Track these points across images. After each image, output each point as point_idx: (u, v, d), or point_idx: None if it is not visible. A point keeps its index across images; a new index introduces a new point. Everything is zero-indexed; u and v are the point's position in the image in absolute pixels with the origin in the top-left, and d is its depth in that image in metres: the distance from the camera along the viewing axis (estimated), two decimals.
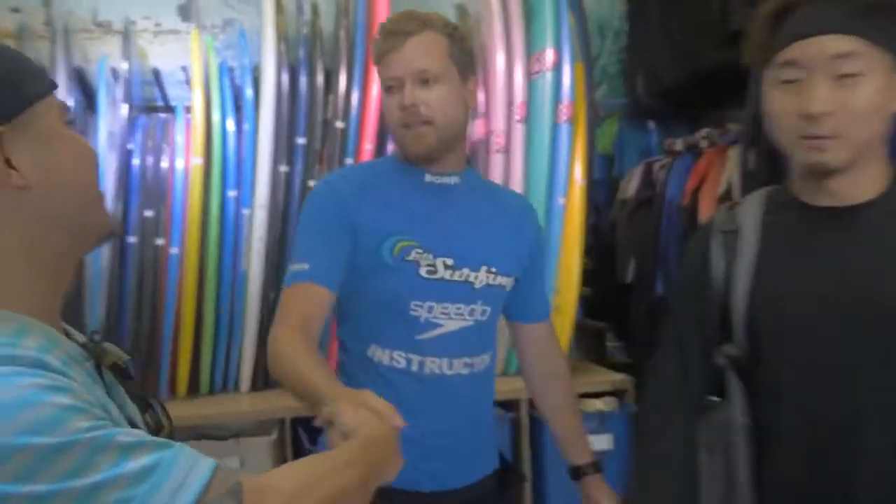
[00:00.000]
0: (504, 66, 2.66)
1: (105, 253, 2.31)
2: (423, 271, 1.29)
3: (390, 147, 2.51)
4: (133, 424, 0.76)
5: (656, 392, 1.24)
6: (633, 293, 3.17)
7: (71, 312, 0.90)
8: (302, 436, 2.41)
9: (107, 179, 2.31)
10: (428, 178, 1.34)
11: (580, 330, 3.20)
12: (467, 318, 1.33)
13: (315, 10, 2.63)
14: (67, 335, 0.78)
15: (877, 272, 1.01)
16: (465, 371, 1.34)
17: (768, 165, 2.29)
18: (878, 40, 0.98)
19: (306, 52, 2.52)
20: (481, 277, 1.33)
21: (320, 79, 2.50)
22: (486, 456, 1.44)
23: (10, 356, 0.64)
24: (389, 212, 1.31)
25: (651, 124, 3.46)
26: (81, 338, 0.80)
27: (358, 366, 1.35)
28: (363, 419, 0.86)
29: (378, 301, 1.31)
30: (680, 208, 2.89)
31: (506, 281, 1.38)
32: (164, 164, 2.44)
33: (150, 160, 2.43)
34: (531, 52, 2.71)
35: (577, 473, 1.50)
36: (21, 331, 0.68)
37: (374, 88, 2.46)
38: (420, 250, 1.29)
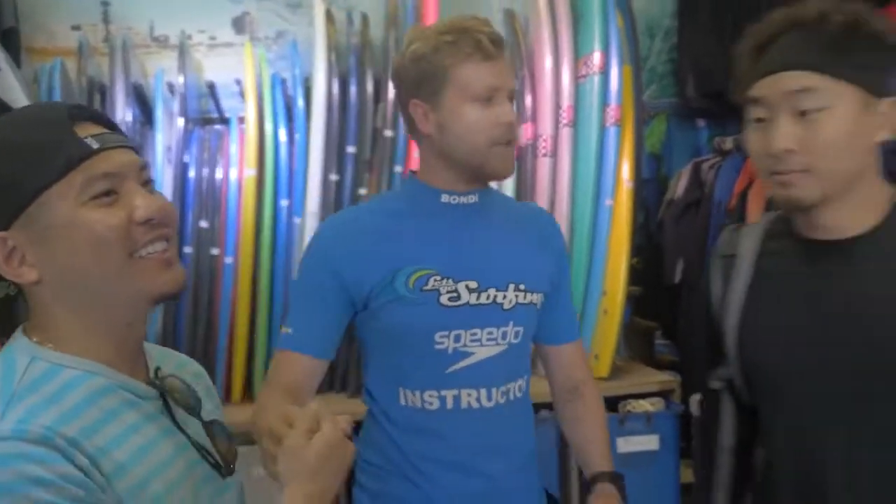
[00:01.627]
0: (551, 70, 2.66)
1: None
2: (444, 299, 1.22)
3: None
4: (205, 450, 0.83)
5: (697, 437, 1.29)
6: (681, 293, 3.16)
7: None
8: (355, 438, 2.48)
9: (164, 192, 2.39)
10: (445, 198, 1.25)
11: (629, 329, 3.20)
12: (500, 342, 1.25)
13: (365, 20, 2.67)
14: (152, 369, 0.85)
15: (865, 314, 0.99)
16: (502, 400, 1.26)
17: None
18: (840, 74, 0.95)
19: (356, 62, 2.57)
20: (510, 297, 1.25)
21: (370, 88, 2.55)
22: (534, 496, 1.37)
23: (21, 430, 0.69)
24: (398, 243, 1.24)
25: (701, 122, 3.42)
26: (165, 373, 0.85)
27: (388, 416, 1.28)
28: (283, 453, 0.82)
29: (399, 339, 1.24)
30: (727, 210, 2.86)
31: (536, 298, 1.30)
32: (219, 175, 2.52)
33: (205, 172, 2.51)
34: (579, 56, 2.71)
35: (594, 479, 1.34)
36: (57, 394, 0.74)
37: None
38: (438, 277, 1.22)
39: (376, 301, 1.24)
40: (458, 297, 1.23)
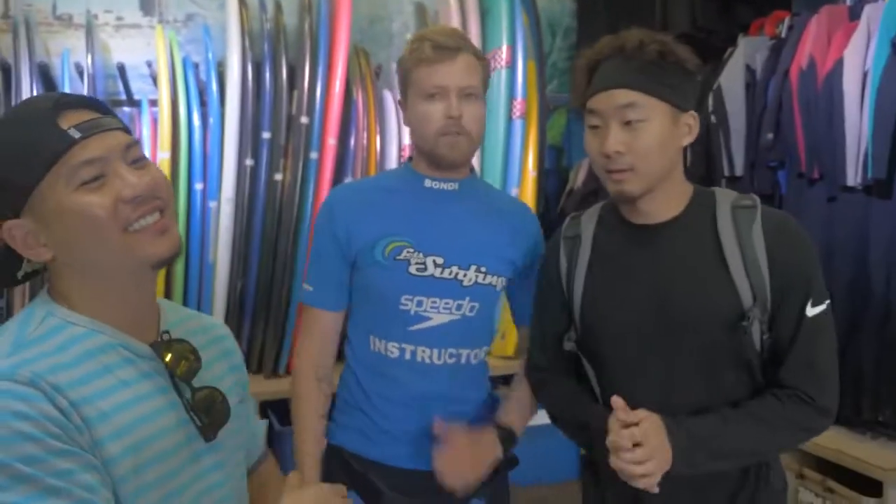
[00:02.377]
0: None
1: None
2: (412, 269, 1.41)
3: (352, 142, 2.60)
4: (194, 412, 0.90)
5: (534, 379, 1.47)
6: None
7: None
8: (272, 417, 2.51)
9: None
10: (427, 183, 1.45)
11: None
12: (455, 312, 1.43)
13: (278, 6, 2.68)
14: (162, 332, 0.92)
15: (670, 280, 1.24)
16: (450, 361, 1.45)
17: (703, 164, 2.48)
18: (655, 92, 1.19)
19: (270, 48, 2.58)
20: (470, 276, 1.43)
21: (284, 74, 2.57)
22: None
23: (11, 372, 0.77)
24: (384, 216, 1.43)
25: None
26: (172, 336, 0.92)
27: (360, 358, 1.48)
28: None
29: (373, 296, 1.44)
30: None
31: (496, 280, 1.46)
32: None
33: None
34: (487, 50, 2.82)
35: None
36: (59, 347, 0.83)
37: (338, 84, 2.54)
38: (411, 249, 1.41)
39: (360, 262, 1.44)
40: (425, 269, 1.41)
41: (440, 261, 1.41)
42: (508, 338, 2.92)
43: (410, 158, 1.50)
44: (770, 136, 2.24)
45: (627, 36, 1.22)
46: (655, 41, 1.21)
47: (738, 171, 2.37)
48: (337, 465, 1.49)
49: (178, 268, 2.48)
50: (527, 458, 2.98)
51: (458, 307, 1.43)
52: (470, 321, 1.45)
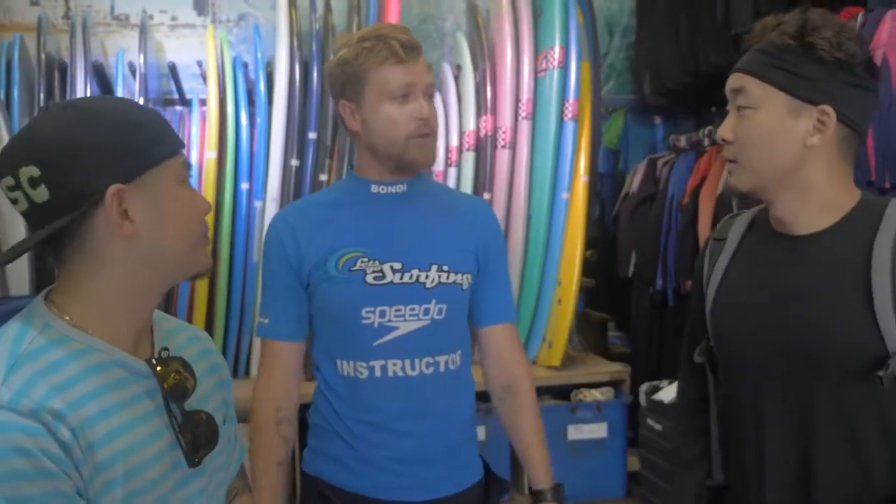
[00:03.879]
0: (512, 63, 2.71)
1: None
2: (370, 278, 1.33)
3: None
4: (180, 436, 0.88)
5: (679, 398, 1.36)
6: (634, 286, 3.24)
7: None
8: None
9: None
10: (374, 188, 1.37)
11: (582, 320, 3.28)
12: (423, 317, 1.35)
13: (328, 6, 2.68)
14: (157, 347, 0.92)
15: (798, 304, 1.08)
16: (429, 371, 1.35)
17: None
18: (770, 79, 1.06)
19: (318, 47, 2.58)
20: (433, 276, 1.35)
21: None
22: (469, 464, 1.43)
23: (14, 402, 0.77)
24: (333, 229, 1.36)
25: (657, 119, 3.50)
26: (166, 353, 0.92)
27: (330, 383, 1.39)
28: None
29: (332, 315, 1.36)
30: (681, 206, 2.95)
31: (460, 278, 1.38)
32: None
33: None
34: (539, 50, 2.76)
35: (536, 498, 1.44)
36: (54, 364, 0.81)
37: None
38: (366, 258, 1.33)
39: (313, 281, 1.36)
40: (383, 277, 1.34)
41: (398, 266, 1.34)
42: (555, 346, 2.85)
43: (352, 168, 1.43)
44: None
45: (775, 17, 1.10)
46: (798, 21, 1.06)
47: None
48: (314, 498, 1.40)
49: (223, 268, 2.50)
50: (572, 473, 2.90)
51: (426, 312, 1.35)
52: (440, 325, 1.36)
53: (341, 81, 1.34)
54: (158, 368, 0.88)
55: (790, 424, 1.09)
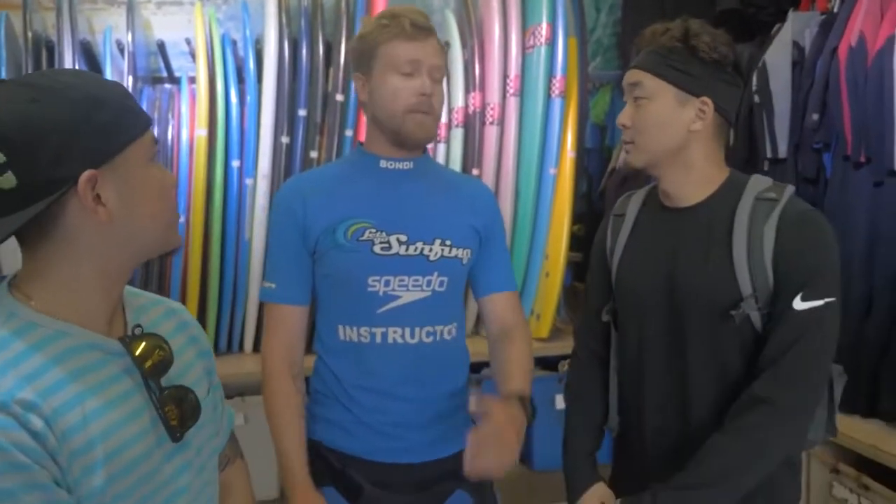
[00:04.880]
0: (500, 40, 2.73)
1: None
2: (377, 248, 1.39)
3: None
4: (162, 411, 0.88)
5: (579, 352, 1.53)
6: None
7: None
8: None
9: None
10: (383, 164, 1.44)
11: (570, 294, 3.33)
12: (425, 288, 1.41)
13: None
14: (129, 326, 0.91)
15: (679, 263, 1.31)
16: (428, 339, 1.42)
17: (746, 146, 2.40)
18: (661, 74, 1.28)
19: (307, 24, 2.58)
20: (436, 250, 1.42)
21: (321, 51, 2.57)
22: (461, 429, 1.39)
23: None
24: (342, 200, 1.42)
25: None
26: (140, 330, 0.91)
27: (331, 349, 1.45)
28: None
29: (338, 282, 1.41)
30: None
31: (461, 253, 1.45)
32: (170, 134, 2.53)
33: (155, 131, 2.51)
34: (526, 26, 2.77)
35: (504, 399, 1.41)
36: (22, 354, 0.79)
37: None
38: (373, 230, 1.39)
39: (321, 248, 1.42)
40: (390, 248, 1.40)
41: (404, 238, 1.40)
42: (543, 319, 2.91)
43: (361, 143, 1.50)
44: (816, 116, 2.14)
45: (662, 24, 1.31)
46: (681, 28, 1.28)
47: (782, 153, 2.28)
48: (315, 460, 1.45)
49: (215, 245, 2.52)
50: (559, 441, 2.96)
51: (428, 283, 1.41)
52: (440, 296, 1.43)
53: (357, 55, 1.43)
54: (134, 345, 0.87)
55: (671, 356, 1.32)
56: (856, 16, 2.07)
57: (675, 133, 1.29)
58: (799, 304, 1.20)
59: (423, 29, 1.38)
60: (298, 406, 1.44)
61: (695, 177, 1.31)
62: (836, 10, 2.21)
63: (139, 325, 0.90)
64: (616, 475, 1.49)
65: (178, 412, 0.89)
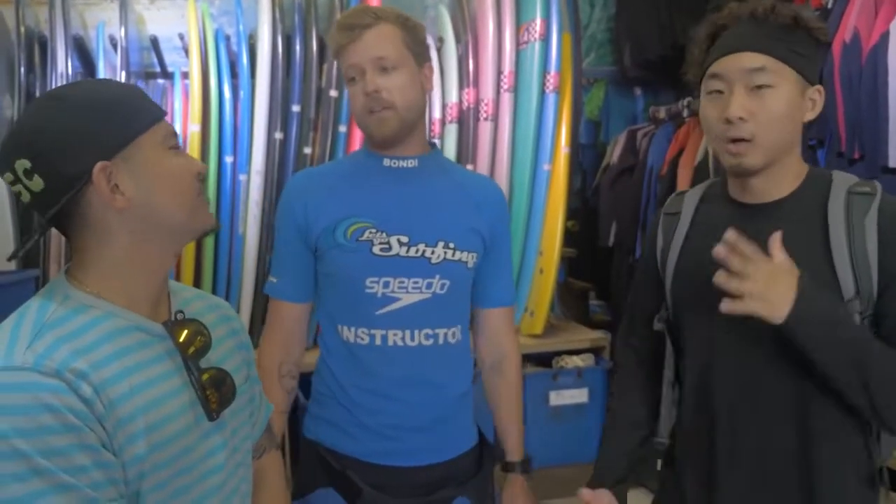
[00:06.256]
0: (494, 35, 2.72)
1: None
2: (376, 249, 1.37)
3: None
4: (202, 391, 0.95)
5: (621, 355, 1.43)
6: (614, 256, 3.30)
7: None
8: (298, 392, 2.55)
9: None
10: (386, 162, 1.41)
11: (564, 289, 3.34)
12: (425, 291, 1.39)
13: None
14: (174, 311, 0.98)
15: None
16: (427, 342, 1.40)
17: None
18: (786, 59, 1.12)
19: (301, 19, 2.58)
20: (438, 252, 1.39)
21: (315, 47, 2.56)
22: (463, 432, 1.48)
23: (38, 364, 0.82)
24: (344, 199, 1.40)
25: (638, 91, 3.53)
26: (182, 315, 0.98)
27: (331, 348, 1.44)
28: None
29: (337, 282, 1.40)
30: (659, 176, 3.00)
31: (466, 256, 1.42)
32: None
33: None
34: (520, 22, 2.77)
35: (505, 468, 1.55)
36: (76, 331, 0.87)
37: None
38: (373, 230, 1.37)
39: (321, 247, 1.41)
40: (390, 249, 1.38)
41: (405, 239, 1.38)
42: (537, 315, 2.91)
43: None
44: None
45: (753, 2, 1.15)
46: (788, 7, 1.14)
47: None
48: (314, 461, 1.45)
49: (209, 240, 2.52)
50: (554, 437, 2.97)
51: (429, 286, 1.39)
52: (441, 299, 1.40)
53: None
54: (176, 330, 0.95)
55: (739, 365, 1.17)
56: (850, 12, 2.07)
57: (796, 126, 1.15)
58: None
59: (350, 29, 1.35)
60: (281, 405, 1.44)
61: (789, 171, 1.18)
62: (830, 6, 2.21)
63: (181, 311, 0.98)
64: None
65: (216, 394, 0.96)
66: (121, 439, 0.86)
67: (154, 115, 0.93)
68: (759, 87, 1.12)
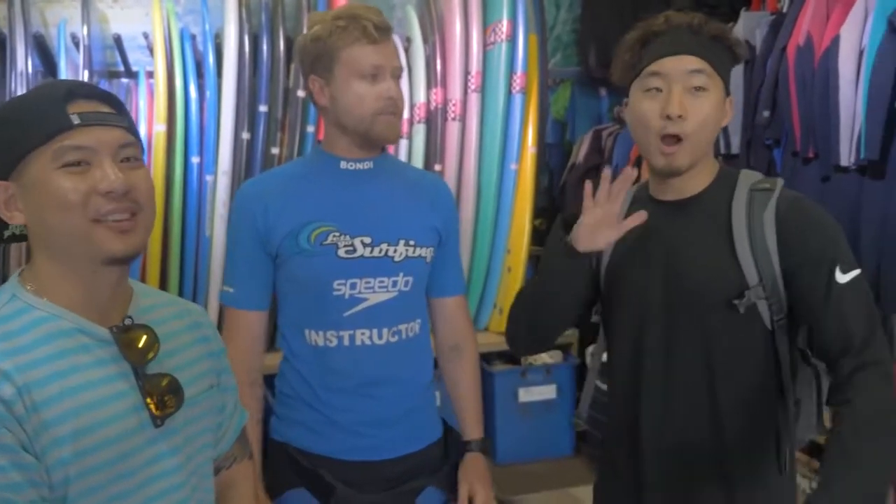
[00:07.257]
0: (461, 37, 2.75)
1: None
2: (341, 252, 1.38)
3: None
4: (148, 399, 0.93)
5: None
6: None
7: None
8: (267, 392, 2.54)
9: None
10: (343, 165, 1.42)
11: None
12: (391, 289, 1.41)
13: None
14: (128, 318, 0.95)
15: (678, 256, 1.25)
16: (394, 339, 1.42)
17: None
18: (717, 68, 1.21)
19: (268, 19, 2.57)
20: (400, 250, 1.41)
21: (282, 46, 2.56)
22: (429, 424, 1.51)
23: None
24: (304, 203, 1.40)
25: (603, 91, 3.58)
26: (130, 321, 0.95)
27: (297, 352, 1.44)
28: None
29: (304, 287, 1.40)
30: None
31: (425, 252, 1.45)
32: None
33: None
34: (487, 23, 2.80)
35: (465, 447, 1.55)
36: (13, 332, 0.87)
37: None
38: (337, 233, 1.38)
39: (284, 253, 1.41)
40: (354, 251, 1.39)
41: (368, 240, 1.40)
42: (506, 313, 2.93)
43: (319, 142, 1.48)
44: (766, 113, 2.21)
45: (687, 14, 1.24)
46: (718, 24, 1.23)
47: (735, 149, 2.34)
48: (284, 462, 1.45)
49: (175, 241, 2.50)
50: (523, 433, 3.00)
51: (394, 284, 1.42)
52: (406, 296, 1.44)
53: (312, 57, 1.39)
54: (121, 335, 0.92)
55: (660, 353, 1.28)
56: (804, 16, 2.13)
57: (717, 130, 1.25)
58: (841, 277, 1.17)
59: (384, 30, 1.37)
60: (256, 414, 1.43)
61: (702, 168, 1.26)
62: (785, 10, 2.27)
63: (129, 317, 0.95)
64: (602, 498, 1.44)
65: (165, 399, 0.94)
66: (44, 442, 0.84)
67: (46, 131, 0.87)
68: (697, 88, 1.19)
